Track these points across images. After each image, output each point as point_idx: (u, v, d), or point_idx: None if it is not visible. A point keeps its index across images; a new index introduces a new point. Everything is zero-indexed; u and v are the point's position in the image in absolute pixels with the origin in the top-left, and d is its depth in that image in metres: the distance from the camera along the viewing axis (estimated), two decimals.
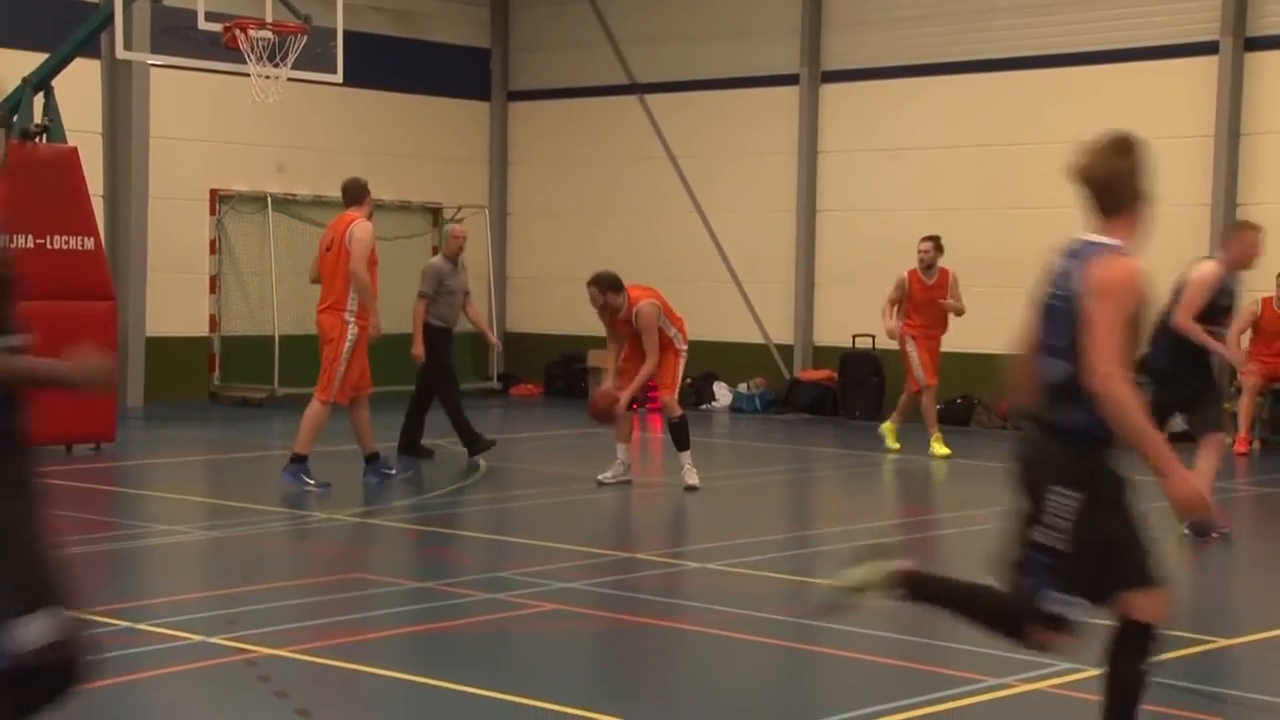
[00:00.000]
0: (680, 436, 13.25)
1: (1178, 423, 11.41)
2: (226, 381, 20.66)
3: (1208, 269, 10.95)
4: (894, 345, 16.62)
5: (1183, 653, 7.40)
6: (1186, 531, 10.80)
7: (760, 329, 21.37)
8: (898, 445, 16.13)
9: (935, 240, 16.06)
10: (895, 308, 16.05)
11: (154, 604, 8.74)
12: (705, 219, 21.65)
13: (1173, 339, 10.70)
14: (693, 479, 13.18)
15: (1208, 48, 18.07)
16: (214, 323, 20.67)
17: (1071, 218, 19.64)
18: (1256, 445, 17.04)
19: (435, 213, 22.55)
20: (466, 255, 15.49)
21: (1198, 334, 10.66)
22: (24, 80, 15.20)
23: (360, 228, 12.87)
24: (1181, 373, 10.72)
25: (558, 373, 22.58)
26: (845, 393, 20.08)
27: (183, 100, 19.76)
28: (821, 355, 20.77)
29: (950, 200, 19.40)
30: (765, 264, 21.19)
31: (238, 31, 15.34)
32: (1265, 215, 17.94)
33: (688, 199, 21.79)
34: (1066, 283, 5.22)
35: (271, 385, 20.20)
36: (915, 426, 16.18)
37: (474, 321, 15.78)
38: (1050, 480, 5.19)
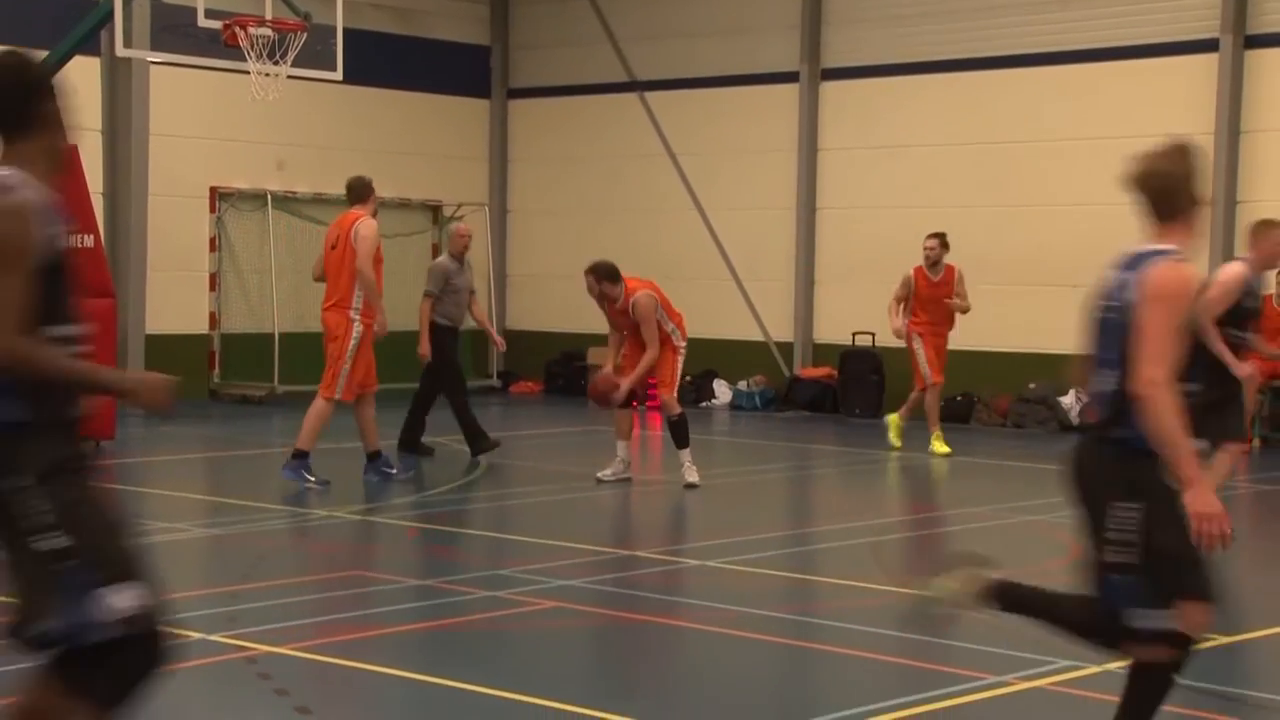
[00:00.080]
0: (680, 434, 13.25)
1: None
2: (226, 379, 20.66)
3: (1234, 271, 10.55)
4: (896, 343, 16.63)
5: None
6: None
7: (760, 327, 21.37)
8: (899, 442, 16.12)
9: (941, 237, 16.03)
10: (901, 306, 16.03)
11: None
12: (705, 217, 21.64)
13: (1195, 343, 10.47)
14: (692, 477, 13.18)
15: (1208, 45, 18.07)
16: (214, 320, 20.67)
17: (1072, 215, 19.59)
18: (1256, 443, 17.03)
19: (435, 210, 22.55)
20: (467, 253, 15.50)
21: (1213, 340, 10.38)
22: None
23: (365, 225, 12.90)
24: (1202, 378, 10.50)
25: (558, 370, 22.57)
26: (845, 390, 20.07)
27: (182, 98, 19.76)
28: (821, 353, 20.77)
29: (950, 198, 19.39)
30: (765, 261, 21.18)
31: (237, 29, 15.35)
32: (1265, 213, 17.84)
33: (688, 197, 21.78)
34: (1121, 293, 5.27)
35: (271, 383, 20.20)
36: (918, 425, 16.17)
37: (478, 320, 15.80)
38: (1109, 496, 5.26)
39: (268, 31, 15.39)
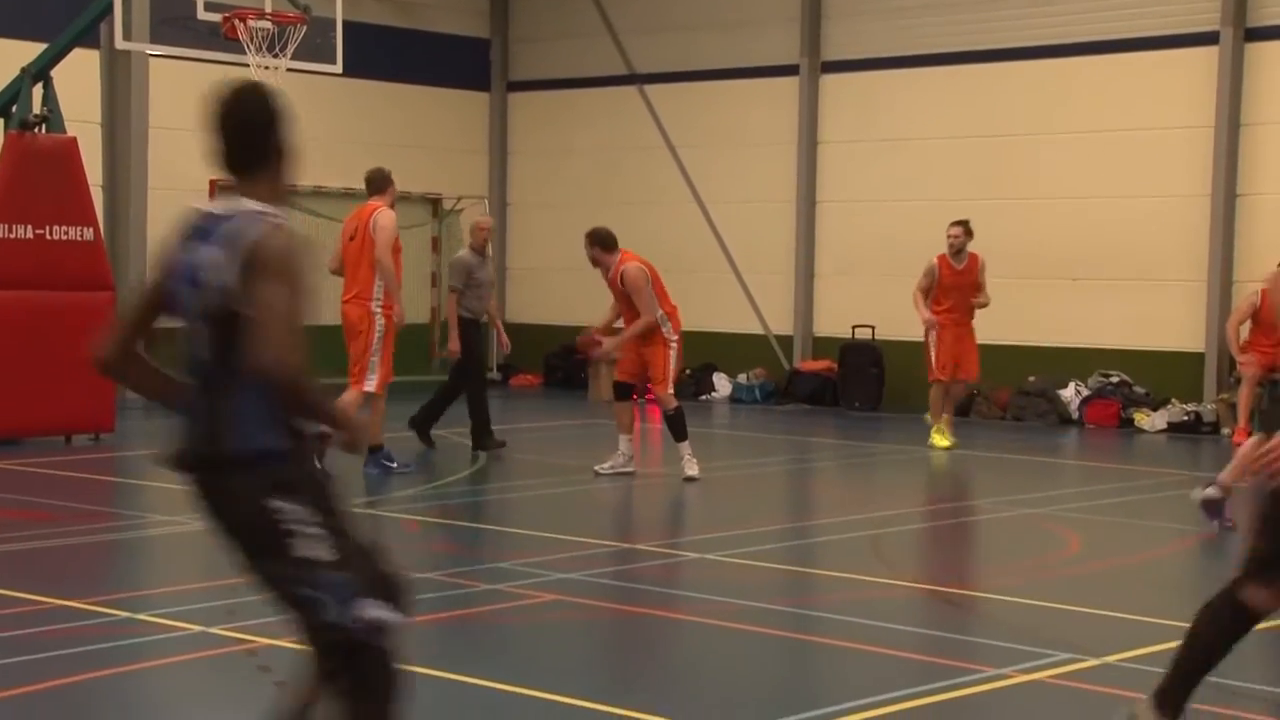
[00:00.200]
0: (677, 428, 13.25)
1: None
2: None
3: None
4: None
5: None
6: (1201, 508, 10.83)
7: (760, 320, 21.37)
8: (948, 442, 15.77)
9: (965, 225, 15.88)
10: (926, 296, 15.94)
11: (153, 594, 8.75)
12: (705, 209, 21.64)
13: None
14: (692, 470, 13.17)
15: (1208, 38, 18.07)
16: None
17: (1072, 208, 19.53)
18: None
19: (435, 203, 22.54)
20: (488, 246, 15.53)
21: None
22: (23, 70, 15.18)
23: (384, 215, 13.04)
24: None
25: (557, 363, 22.56)
26: (845, 384, 20.08)
27: (182, 91, 19.60)
28: (821, 346, 20.77)
29: (951, 191, 19.38)
30: (765, 255, 21.18)
31: (237, 22, 15.33)
32: (1265, 206, 18.01)
33: (687, 189, 21.78)
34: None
35: None
36: (917, 423, 16.18)
37: (490, 316, 15.82)
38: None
39: (267, 24, 15.38)
